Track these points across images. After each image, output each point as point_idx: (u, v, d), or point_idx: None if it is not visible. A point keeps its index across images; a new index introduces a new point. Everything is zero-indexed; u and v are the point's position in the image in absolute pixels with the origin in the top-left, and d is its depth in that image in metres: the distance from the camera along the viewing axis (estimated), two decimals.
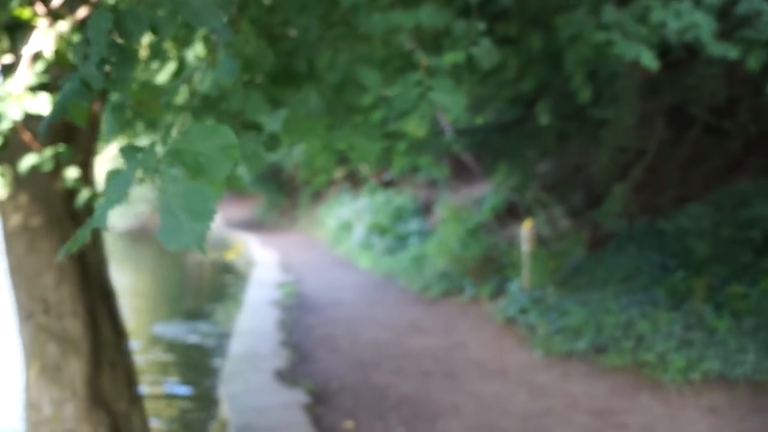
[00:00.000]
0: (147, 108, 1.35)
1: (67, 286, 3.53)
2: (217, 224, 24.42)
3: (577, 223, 8.91)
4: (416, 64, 2.04)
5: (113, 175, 0.89)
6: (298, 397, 5.39)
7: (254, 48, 1.95)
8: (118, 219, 30.02)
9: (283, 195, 22.81)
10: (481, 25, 2.32)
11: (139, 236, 27.76)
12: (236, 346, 7.19)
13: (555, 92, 7.81)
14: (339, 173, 17.93)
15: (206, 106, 2.15)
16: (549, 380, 5.54)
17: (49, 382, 3.50)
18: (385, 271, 11.35)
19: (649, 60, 3.59)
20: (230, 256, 16.36)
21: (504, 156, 9.46)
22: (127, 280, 15.82)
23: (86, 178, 3.61)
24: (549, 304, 7.03)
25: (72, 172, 3.19)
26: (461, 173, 13.91)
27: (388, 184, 16.46)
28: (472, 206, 11.70)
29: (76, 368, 3.54)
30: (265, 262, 13.98)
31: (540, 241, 8.58)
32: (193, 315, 11.27)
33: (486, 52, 2.23)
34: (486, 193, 11.65)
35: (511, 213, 10.69)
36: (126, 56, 1.12)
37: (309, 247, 16.47)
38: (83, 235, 0.91)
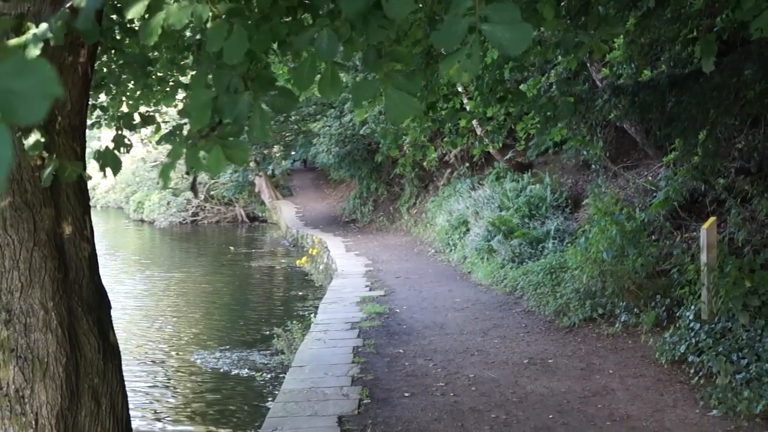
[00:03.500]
0: None
1: (39, 291, 3.70)
2: (290, 221, 25.23)
3: None
4: None
5: None
6: None
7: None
8: (158, 212, 31.93)
9: (381, 182, 23.03)
10: None
11: (188, 234, 29.34)
12: (292, 381, 7.33)
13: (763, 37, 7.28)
14: (454, 152, 17.86)
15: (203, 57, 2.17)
16: None
17: (8, 416, 3.68)
18: (508, 286, 11.17)
19: None
20: (303, 263, 16.78)
21: (684, 125, 8.95)
22: (162, 290, 16.71)
23: (73, 151, 3.78)
24: (739, 342, 6.58)
25: (39, 139, 3.33)
26: (626, 152, 13.39)
27: (522, 168, 16.17)
28: (637, 198, 11.21)
29: (44, 399, 3.70)
30: (349, 272, 14.23)
31: (732, 249, 8.05)
32: (248, 341, 11.67)
33: None
34: (659, 180, 11.11)
35: (694, 208, 10.13)
36: None
37: (410, 252, 16.57)
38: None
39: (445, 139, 12.80)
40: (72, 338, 3.81)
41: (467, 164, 18.33)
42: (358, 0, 2.18)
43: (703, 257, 7.39)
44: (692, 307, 7.52)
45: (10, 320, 3.67)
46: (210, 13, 2.22)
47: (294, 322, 10.73)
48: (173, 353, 11.33)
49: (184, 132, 4.10)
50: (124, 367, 4.42)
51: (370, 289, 12.20)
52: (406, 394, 6.77)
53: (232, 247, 24.18)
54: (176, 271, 19.49)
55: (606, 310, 8.73)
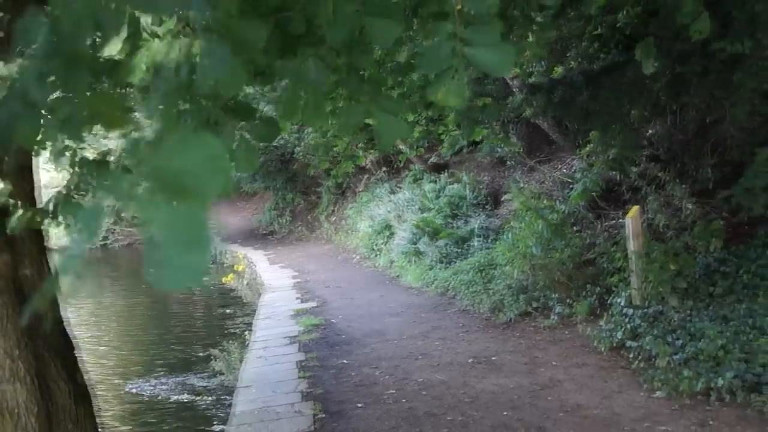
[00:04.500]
0: (106, 119, 1.39)
1: (2, 340, 3.58)
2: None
3: (706, 208, 8.69)
4: (447, 10, 1.98)
5: (77, 209, 0.94)
6: None
7: (243, 25, 1.94)
8: (62, 239, 30.82)
9: (297, 192, 22.93)
10: None
11: (98, 259, 28.45)
12: (241, 403, 7.25)
13: (663, 25, 7.64)
14: (370, 158, 17.97)
15: (176, 89, 2.16)
16: None
17: None
18: (439, 287, 11.31)
19: None
20: (229, 280, 16.56)
21: (596, 117, 9.30)
22: (86, 318, 16.19)
23: (23, 191, 3.66)
24: (672, 323, 6.88)
25: (3, 185, 3.23)
26: (539, 146, 13.77)
27: (438, 168, 16.40)
28: (556, 191, 11.55)
29: None
30: (277, 285, 14.13)
31: (654, 234, 8.41)
32: (182, 364, 11.43)
33: None
34: (575, 172, 11.48)
35: (611, 197, 10.52)
36: (72, 64, 1.16)
37: (334, 261, 16.57)
38: (51, 287, 0.97)
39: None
40: (42, 385, 3.69)
41: (384, 169, 18.47)
42: (344, 29, 2.19)
43: (630, 245, 7.69)
44: (623, 294, 7.82)
45: None
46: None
47: (229, 341, 10.58)
48: (104, 384, 11.00)
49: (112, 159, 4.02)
50: None
51: (302, 301, 12.16)
52: (359, 405, 6.80)
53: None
54: (89, 299, 18.85)
55: (540, 303, 8.98)
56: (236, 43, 1.79)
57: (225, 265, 19.83)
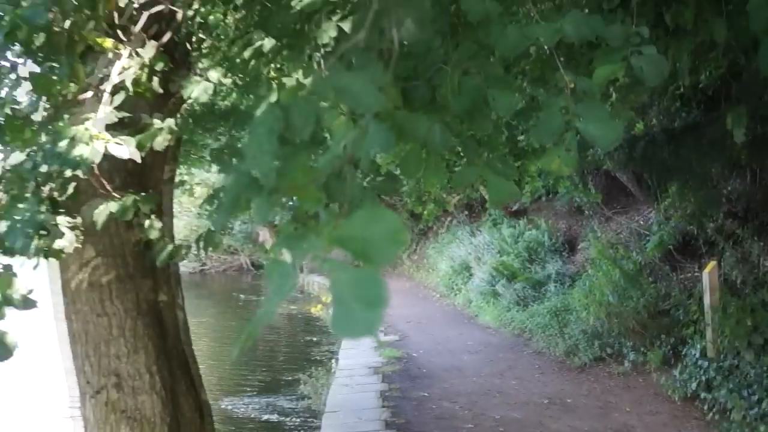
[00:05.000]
0: (303, 192, 1.54)
1: (143, 356, 3.82)
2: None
3: None
4: (558, 83, 2.08)
5: (275, 266, 1.07)
6: None
7: (405, 116, 2.09)
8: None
9: None
10: (644, 30, 2.32)
11: (198, 282, 29.23)
12: (329, 426, 7.37)
13: (746, 87, 7.53)
14: (453, 200, 18.04)
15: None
16: None
17: None
18: (515, 328, 11.25)
19: None
20: (317, 310, 16.80)
21: (676, 173, 9.19)
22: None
23: (167, 228, 3.92)
24: (748, 378, 6.68)
25: (154, 222, 3.47)
26: (616, 197, 13.60)
27: (517, 214, 16.36)
28: (633, 242, 11.38)
29: None
30: None
31: (730, 289, 8.20)
32: (271, 386, 11.65)
33: (652, 63, 2.24)
34: (652, 224, 11.30)
35: (687, 251, 10.30)
36: (291, 151, 1.34)
37: (415, 297, 16.62)
38: (253, 330, 1.11)
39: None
40: (173, 399, 3.92)
41: (465, 212, 18.51)
42: (467, 99, 2.30)
43: (707, 299, 7.53)
44: (697, 346, 7.63)
45: (119, 384, 3.78)
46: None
47: (316, 367, 10.75)
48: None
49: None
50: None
51: (385, 334, 12.23)
52: None
53: (242, 295, 24.14)
54: (191, 316, 19.36)
55: (614, 349, 8.83)
56: (398, 127, 1.94)
57: (312, 294, 20.12)
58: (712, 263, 7.69)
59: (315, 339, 15.38)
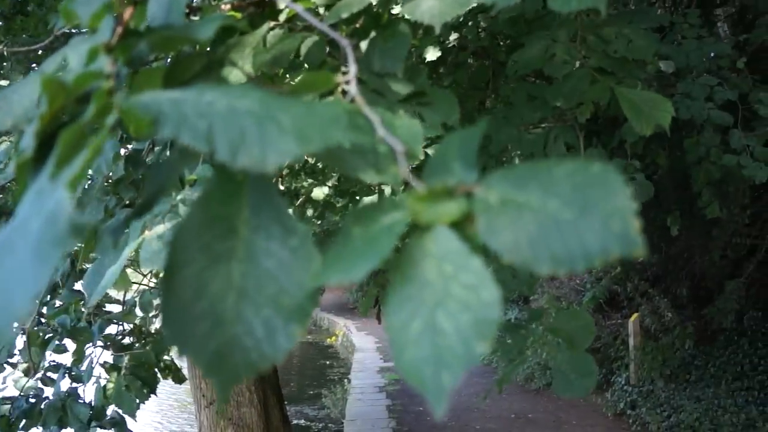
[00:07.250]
0: None
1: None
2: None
3: (682, 316, 8.98)
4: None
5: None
6: None
7: None
8: None
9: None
10: (636, 163, 2.36)
11: None
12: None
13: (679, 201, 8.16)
14: None
15: None
16: None
17: None
18: (484, 360, 11.62)
19: None
20: (333, 341, 17.06)
21: None
22: None
23: None
24: (660, 399, 7.16)
25: None
26: None
27: None
28: (573, 296, 11.91)
29: None
30: (364, 347, 14.57)
31: (646, 333, 8.72)
32: (297, 397, 11.91)
33: (641, 188, 2.24)
34: (586, 283, 11.86)
35: (613, 304, 10.82)
36: None
37: None
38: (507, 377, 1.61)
39: None
40: (265, 410, 4.32)
41: None
42: None
43: (631, 340, 8.04)
44: (623, 375, 8.10)
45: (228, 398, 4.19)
46: None
47: (335, 386, 11.06)
48: None
49: None
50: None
51: (385, 361, 12.55)
52: None
53: None
54: None
55: None
56: None
57: (323, 328, 20.37)
58: (636, 315, 8.24)
59: (328, 363, 15.64)
